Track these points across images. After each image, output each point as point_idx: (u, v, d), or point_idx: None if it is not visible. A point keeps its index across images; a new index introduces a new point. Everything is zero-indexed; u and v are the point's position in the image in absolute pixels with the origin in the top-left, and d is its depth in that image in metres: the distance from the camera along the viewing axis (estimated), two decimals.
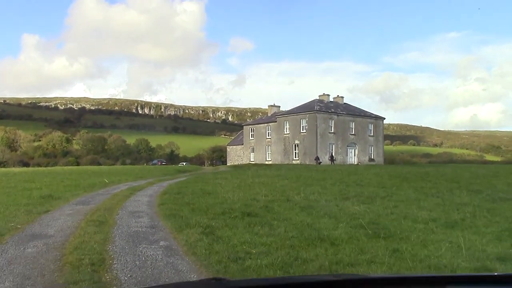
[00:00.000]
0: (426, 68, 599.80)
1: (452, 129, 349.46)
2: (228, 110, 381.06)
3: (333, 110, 73.84)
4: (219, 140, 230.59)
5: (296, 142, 73.66)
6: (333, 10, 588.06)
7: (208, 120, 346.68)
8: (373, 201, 18.21)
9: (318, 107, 72.54)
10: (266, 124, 79.98)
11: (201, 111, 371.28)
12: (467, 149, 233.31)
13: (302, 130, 72.84)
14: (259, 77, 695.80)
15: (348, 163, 72.90)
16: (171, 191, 22.96)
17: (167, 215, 14.70)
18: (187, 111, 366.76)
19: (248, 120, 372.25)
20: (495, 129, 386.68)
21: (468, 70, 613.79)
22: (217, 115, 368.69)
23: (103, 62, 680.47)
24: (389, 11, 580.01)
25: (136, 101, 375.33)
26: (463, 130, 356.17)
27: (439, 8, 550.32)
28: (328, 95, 77.60)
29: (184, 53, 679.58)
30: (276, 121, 77.42)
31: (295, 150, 74.22)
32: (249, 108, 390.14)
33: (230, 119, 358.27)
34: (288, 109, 79.14)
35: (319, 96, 77.76)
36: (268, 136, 79.35)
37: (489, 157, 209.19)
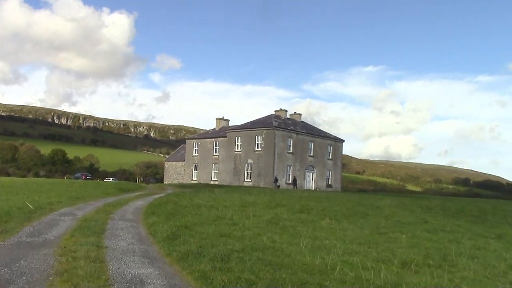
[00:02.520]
0: (345, 98, 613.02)
1: (367, 158, 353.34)
2: (150, 126, 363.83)
3: (292, 127, 64.04)
4: (142, 155, 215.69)
5: (249, 161, 62.93)
6: (256, 34, 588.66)
7: (130, 135, 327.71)
8: None
9: (276, 123, 62.46)
10: (213, 139, 68.65)
11: (122, 125, 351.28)
12: (388, 178, 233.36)
13: (257, 148, 62.30)
14: (183, 95, 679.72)
15: (305, 187, 63.19)
16: (183, 249, 11.39)
17: None
18: (107, 124, 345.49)
19: (170, 137, 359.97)
20: (407, 161, 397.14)
21: (384, 103, 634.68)
22: (138, 130, 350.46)
23: (20, 68, 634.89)
24: (310, 40, 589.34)
25: (53, 110, 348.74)
26: (377, 159, 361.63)
27: (358, 42, 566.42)
28: (286, 110, 67.78)
29: (108, 65, 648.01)
30: (225, 136, 66.37)
31: (247, 170, 63.42)
32: (172, 125, 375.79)
33: (152, 135, 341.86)
34: (240, 124, 68.37)
35: (275, 111, 67.76)
36: (216, 152, 68.01)
37: (410, 187, 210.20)
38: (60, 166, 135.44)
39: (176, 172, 73.86)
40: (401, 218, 20.86)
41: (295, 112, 69.61)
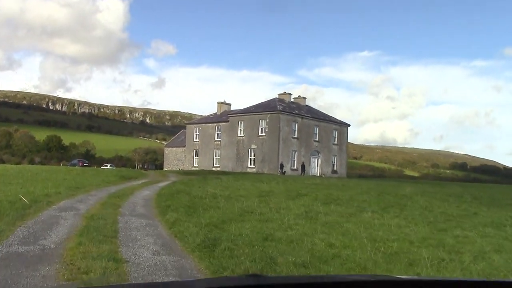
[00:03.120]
0: (340, 84, 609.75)
1: (363, 144, 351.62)
2: (146, 112, 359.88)
3: (296, 111, 61.39)
4: (138, 141, 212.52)
5: (253, 146, 60.40)
6: (252, 21, 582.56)
7: (125, 121, 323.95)
8: None
9: (280, 106, 59.82)
10: (215, 124, 65.94)
11: (117, 111, 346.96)
12: (385, 163, 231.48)
13: (261, 132, 59.72)
14: (178, 81, 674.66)
15: (310, 173, 60.79)
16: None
17: None
18: (102, 109, 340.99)
19: (166, 123, 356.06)
20: (402, 146, 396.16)
21: (379, 88, 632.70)
22: (134, 116, 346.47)
23: (14, 54, 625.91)
24: (305, 26, 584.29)
25: (48, 96, 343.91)
26: (373, 145, 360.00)
27: (353, 27, 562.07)
28: (290, 94, 65.07)
29: (103, 51, 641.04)
30: (228, 121, 63.70)
31: (250, 156, 60.91)
32: (168, 111, 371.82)
33: (148, 121, 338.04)
34: (243, 108, 65.65)
35: (279, 94, 65.03)
36: (218, 138, 65.38)
37: (408, 172, 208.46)
38: (56, 153, 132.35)
39: (176, 158, 71.20)
40: (445, 210, 18.41)
41: (299, 96, 66.90)
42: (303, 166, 58.38)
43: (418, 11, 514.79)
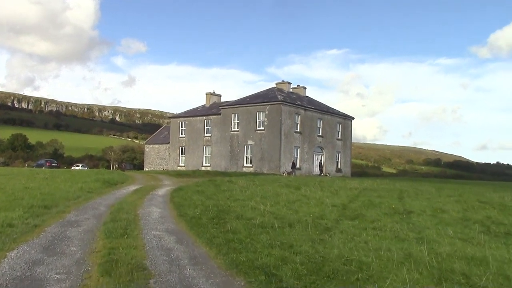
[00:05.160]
0: (310, 81, 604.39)
1: None
2: (115, 110, 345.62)
3: (298, 102, 52.95)
4: (108, 140, 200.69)
5: (249, 142, 51.67)
6: (222, 18, 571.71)
7: (94, 119, 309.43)
8: None
9: (281, 97, 51.27)
10: (204, 117, 56.82)
11: (86, 109, 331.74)
12: (361, 159, 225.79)
13: (259, 126, 51.05)
14: (149, 79, 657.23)
15: (314, 173, 52.57)
16: None
17: None
18: (70, 108, 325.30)
19: (137, 121, 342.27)
20: (373, 142, 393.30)
21: (349, 86, 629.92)
22: (103, 114, 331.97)
23: None
24: (274, 23, 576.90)
25: (14, 94, 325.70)
26: None
27: (322, 25, 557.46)
28: (289, 83, 56.56)
29: (72, 49, 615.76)
30: (219, 114, 54.76)
31: (246, 153, 52.17)
32: (138, 109, 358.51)
33: (118, 119, 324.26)
34: (237, 99, 56.78)
35: (277, 84, 56.49)
36: (207, 133, 56.33)
37: (385, 168, 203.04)
38: (21, 152, 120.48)
39: (159, 157, 61.76)
40: None
41: (298, 85, 58.42)
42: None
43: (385, 10, 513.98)
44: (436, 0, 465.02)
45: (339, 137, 57.41)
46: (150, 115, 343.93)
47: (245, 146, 52.06)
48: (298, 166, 50.72)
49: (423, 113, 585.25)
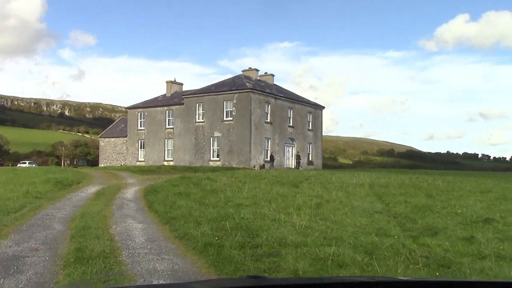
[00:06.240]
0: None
1: None
2: (64, 104, 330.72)
3: (268, 90, 48.84)
4: (58, 135, 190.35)
5: (216, 134, 47.16)
6: (172, 10, 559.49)
7: (42, 114, 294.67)
8: None
9: (250, 84, 47.02)
10: (166, 108, 51.73)
11: (33, 103, 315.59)
12: None
13: (227, 116, 46.62)
14: (99, 72, 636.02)
15: (285, 166, 48.74)
16: None
17: None
18: (16, 102, 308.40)
19: (87, 115, 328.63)
20: (325, 134, 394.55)
21: (302, 78, 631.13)
22: (52, 108, 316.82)
23: None
24: (226, 16, 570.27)
25: None
26: None
27: (273, 18, 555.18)
28: (257, 70, 52.24)
29: (17, 41, 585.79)
30: (182, 103, 49.89)
31: (213, 146, 47.67)
32: (89, 102, 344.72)
33: (67, 113, 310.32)
34: (201, 87, 52.00)
35: (243, 71, 52.08)
36: (169, 124, 51.30)
37: (341, 160, 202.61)
38: None
39: (116, 151, 56.11)
40: None
41: (266, 73, 54.21)
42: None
43: (335, 3, 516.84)
44: None
45: (310, 128, 53.71)
46: (101, 109, 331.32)
47: (212, 138, 47.53)
48: (269, 159, 46.76)
49: (373, 105, 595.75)
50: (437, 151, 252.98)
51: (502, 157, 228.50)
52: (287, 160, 50.05)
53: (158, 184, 20.91)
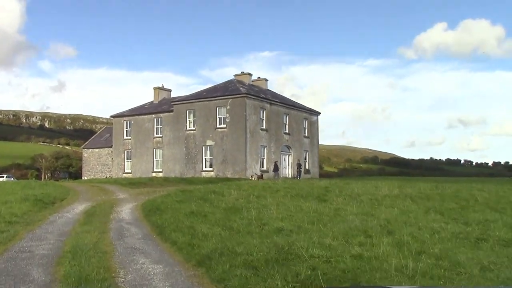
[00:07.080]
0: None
1: None
2: (44, 116, 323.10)
3: (263, 95, 45.79)
4: (38, 147, 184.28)
5: (209, 143, 43.84)
6: (152, 21, 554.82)
7: (21, 125, 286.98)
8: None
9: (244, 89, 43.93)
10: (154, 115, 48.23)
11: (11, 116, 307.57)
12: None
13: (220, 123, 43.39)
14: (80, 83, 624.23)
15: (282, 175, 45.57)
16: None
17: None
18: None
19: (68, 127, 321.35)
20: None
21: (284, 87, 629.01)
22: (31, 120, 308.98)
23: None
24: (205, 26, 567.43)
25: None
26: None
27: (253, 28, 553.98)
28: (250, 74, 49.14)
29: None
30: (171, 111, 46.50)
31: (205, 155, 44.32)
32: (69, 114, 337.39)
33: (47, 125, 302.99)
34: (191, 93, 48.67)
35: (236, 75, 48.85)
36: (158, 133, 47.79)
37: (326, 167, 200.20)
38: None
39: (100, 163, 52.23)
40: None
41: (259, 77, 51.11)
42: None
43: (315, 12, 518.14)
44: (364, 4, 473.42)
45: (306, 135, 50.74)
46: (81, 121, 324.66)
47: (204, 147, 44.20)
48: (265, 168, 43.70)
49: (355, 113, 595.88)
50: (419, 158, 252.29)
51: (484, 162, 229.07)
52: (283, 169, 46.93)
53: (158, 200, 17.61)
